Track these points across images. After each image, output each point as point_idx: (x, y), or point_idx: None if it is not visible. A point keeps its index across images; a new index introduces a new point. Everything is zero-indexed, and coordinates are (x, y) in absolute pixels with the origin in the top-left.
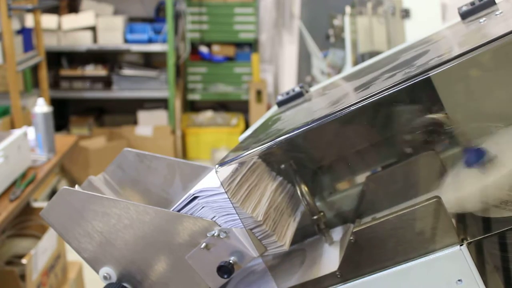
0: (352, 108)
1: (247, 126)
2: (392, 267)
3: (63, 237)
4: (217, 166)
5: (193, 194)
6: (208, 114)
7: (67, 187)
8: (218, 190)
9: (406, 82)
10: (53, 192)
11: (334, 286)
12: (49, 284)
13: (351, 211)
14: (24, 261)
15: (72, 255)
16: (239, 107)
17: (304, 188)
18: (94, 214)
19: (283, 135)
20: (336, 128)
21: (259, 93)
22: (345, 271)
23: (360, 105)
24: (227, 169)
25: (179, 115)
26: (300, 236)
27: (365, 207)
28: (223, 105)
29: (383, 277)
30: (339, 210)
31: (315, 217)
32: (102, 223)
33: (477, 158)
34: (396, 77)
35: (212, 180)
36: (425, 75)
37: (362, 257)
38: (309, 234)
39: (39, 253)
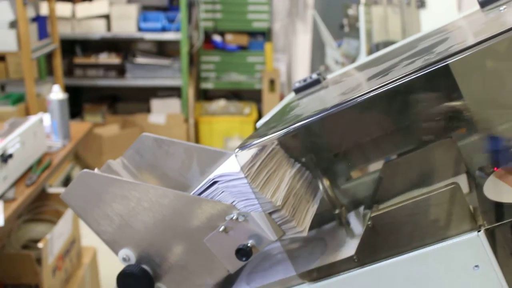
0: (372, 93)
1: (259, 115)
2: (409, 252)
3: (83, 219)
4: (237, 150)
5: (213, 179)
6: (221, 103)
7: (87, 170)
8: (238, 175)
9: (427, 68)
10: (67, 179)
11: (351, 270)
12: (64, 268)
13: (368, 197)
14: (40, 245)
15: (86, 241)
16: (252, 96)
17: (326, 182)
18: (113, 196)
19: (302, 121)
20: (355, 114)
21: (272, 83)
22: (362, 255)
23: (380, 90)
24: (247, 155)
25: (192, 103)
26: (317, 222)
27: (382, 193)
28: (236, 94)
29: (399, 262)
30: (356, 196)
31: (337, 211)
32: (121, 206)
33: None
34: (416, 64)
35: (232, 165)
36: (446, 62)
37: (379, 241)
38: (326, 220)
39: (54, 238)
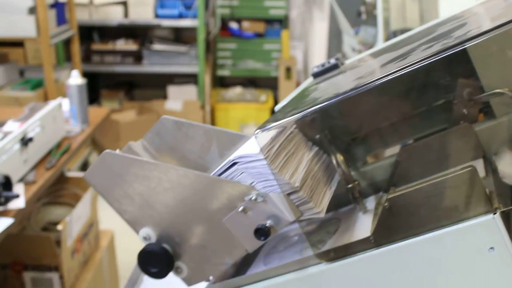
0: (390, 77)
1: (275, 102)
2: (425, 234)
3: (105, 198)
4: (256, 131)
5: (233, 160)
6: (237, 90)
7: (109, 150)
8: (257, 156)
9: (445, 52)
10: (84, 164)
11: (367, 251)
12: (82, 250)
13: (385, 181)
14: (59, 227)
15: (104, 224)
16: (268, 84)
17: (340, 157)
18: (135, 177)
19: (320, 104)
20: (372, 98)
21: (288, 70)
22: (378, 236)
23: (398, 74)
24: (266, 137)
25: (209, 90)
26: (334, 205)
27: (399, 177)
28: (252, 82)
29: (415, 243)
30: (372, 180)
31: (350, 185)
32: (142, 186)
33: None
34: (434, 48)
35: (251, 147)
36: (464, 46)
37: (395, 223)
38: (343, 203)
39: (73, 221)
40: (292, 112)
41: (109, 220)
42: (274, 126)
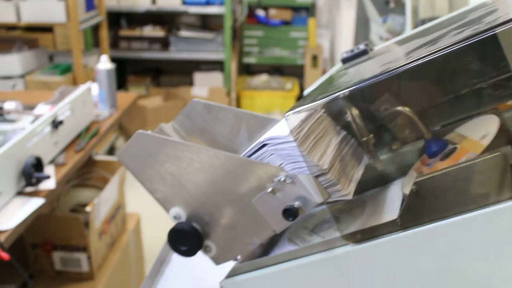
0: (419, 62)
1: (301, 91)
2: (452, 217)
3: (136, 177)
4: (287, 113)
5: (263, 142)
6: (263, 78)
7: (142, 131)
8: (287, 138)
9: (475, 37)
10: (111, 148)
11: (393, 233)
12: (109, 232)
13: (412, 166)
14: (88, 209)
15: (131, 207)
16: (294, 72)
17: (355, 111)
18: (166, 157)
19: (350, 87)
20: (402, 83)
21: (314, 58)
22: (405, 219)
23: (427, 59)
24: (296, 120)
25: (235, 77)
26: (361, 189)
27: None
28: (278, 69)
29: (442, 226)
30: (400, 165)
31: (364, 138)
32: (174, 166)
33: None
34: (464, 34)
35: (281, 129)
36: (494, 31)
37: (422, 206)
38: (369, 187)
39: (101, 203)
40: (322, 95)
41: (136, 203)
42: (304, 108)
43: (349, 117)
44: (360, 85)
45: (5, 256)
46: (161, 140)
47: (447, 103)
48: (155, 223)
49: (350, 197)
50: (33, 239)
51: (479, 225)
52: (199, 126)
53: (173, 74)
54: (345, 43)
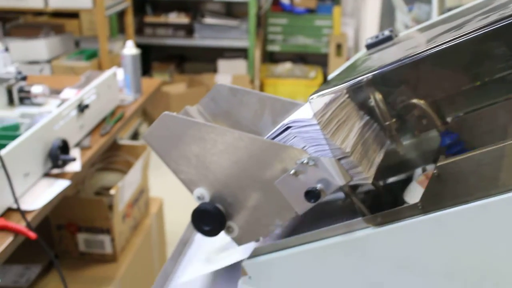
0: (445, 45)
1: (325, 79)
2: (474, 202)
3: (162, 158)
4: (311, 97)
5: (287, 124)
6: (287, 66)
7: (168, 112)
8: (310, 121)
9: (501, 22)
10: (135, 134)
11: (414, 217)
12: (133, 215)
13: (435, 152)
14: (112, 192)
15: (154, 192)
16: (318, 60)
17: (378, 95)
18: (191, 138)
19: (374, 71)
20: (427, 68)
21: (339, 47)
22: (426, 203)
23: (454, 43)
24: (319, 103)
25: (258, 65)
26: (382, 175)
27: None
28: (302, 58)
29: (464, 210)
30: (422, 151)
31: (387, 123)
32: (198, 147)
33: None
34: (491, 18)
35: (304, 112)
36: None
37: (444, 190)
38: (390, 173)
39: (125, 186)
40: (345, 79)
41: (159, 188)
42: (328, 91)
43: (372, 102)
44: (384, 69)
45: (32, 235)
46: (187, 122)
47: (471, 89)
48: (177, 208)
49: (370, 180)
50: (59, 220)
51: (501, 210)
52: (223, 109)
53: (197, 61)
54: (370, 32)
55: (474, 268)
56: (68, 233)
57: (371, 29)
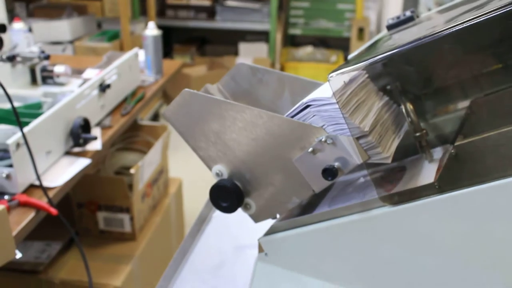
0: (464, 25)
1: None
2: (491, 182)
3: (182, 135)
4: (330, 75)
5: (306, 103)
6: (308, 50)
7: (189, 89)
8: (330, 100)
9: None
10: (155, 115)
11: (431, 196)
12: (152, 195)
13: (453, 133)
14: (132, 171)
15: (173, 172)
16: (340, 44)
17: (410, 106)
18: (211, 115)
19: (394, 49)
20: (447, 47)
21: (361, 31)
22: (443, 182)
23: (473, 22)
24: (338, 82)
25: (279, 48)
26: (401, 155)
27: (467, 129)
28: (323, 41)
29: (480, 190)
30: (441, 132)
31: (417, 134)
32: (218, 124)
33: None
34: None
35: (324, 91)
36: None
37: (461, 170)
38: (409, 153)
39: (145, 166)
40: (365, 58)
41: (178, 168)
42: (348, 69)
43: (391, 81)
44: (404, 47)
45: (54, 211)
46: (206, 99)
47: (492, 71)
48: (196, 189)
49: (389, 160)
50: (79, 198)
51: None
52: (243, 88)
53: (218, 44)
54: (392, 16)
55: (490, 248)
56: (88, 211)
57: (393, 13)
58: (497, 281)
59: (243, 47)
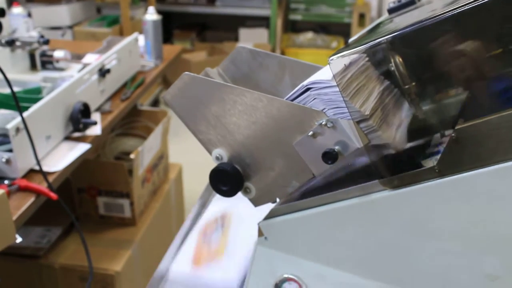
0: (468, 6)
1: None
2: (492, 165)
3: (181, 119)
4: (330, 57)
5: (306, 86)
6: (309, 35)
7: (188, 72)
8: (330, 83)
9: None
10: (155, 101)
11: (431, 180)
12: (152, 180)
13: (454, 117)
14: (132, 156)
15: (173, 158)
16: (340, 30)
17: (399, 58)
18: (211, 99)
19: (395, 32)
20: (449, 30)
21: (362, 17)
22: (443, 166)
23: (478, 3)
24: (339, 65)
25: (280, 34)
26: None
27: (468, 112)
28: (324, 27)
29: (481, 174)
30: (441, 116)
31: (406, 86)
32: (218, 108)
33: None
34: None
35: (325, 74)
36: None
37: (461, 154)
38: (409, 138)
39: (145, 151)
40: (366, 41)
41: (178, 154)
42: (348, 52)
43: (392, 65)
44: (405, 30)
45: (54, 195)
46: (206, 82)
47: (494, 54)
48: (196, 174)
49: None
50: (79, 183)
51: None
52: (243, 72)
53: (219, 30)
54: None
55: (490, 232)
56: (88, 196)
57: None
58: (497, 264)
59: (243, 32)
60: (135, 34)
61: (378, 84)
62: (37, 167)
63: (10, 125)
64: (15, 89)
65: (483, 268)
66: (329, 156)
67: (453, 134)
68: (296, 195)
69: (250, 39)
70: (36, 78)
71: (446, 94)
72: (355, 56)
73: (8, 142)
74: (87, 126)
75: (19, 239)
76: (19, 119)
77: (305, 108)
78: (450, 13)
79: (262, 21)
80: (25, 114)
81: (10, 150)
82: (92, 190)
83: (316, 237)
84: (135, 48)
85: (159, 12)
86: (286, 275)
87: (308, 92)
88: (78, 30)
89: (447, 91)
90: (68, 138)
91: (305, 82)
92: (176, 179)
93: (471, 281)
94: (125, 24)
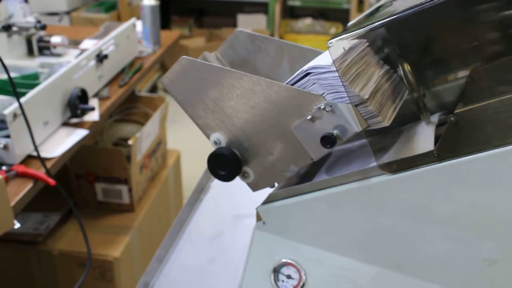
0: None
1: None
2: (491, 150)
3: (179, 103)
4: (330, 41)
5: (306, 70)
6: (307, 21)
7: (186, 56)
8: (330, 68)
9: None
10: (153, 87)
11: (430, 164)
12: (150, 166)
13: (453, 102)
14: (130, 142)
15: (171, 144)
16: (339, 16)
17: (407, 67)
18: (209, 82)
19: (394, 16)
20: (448, 14)
21: (360, 3)
22: (442, 150)
23: None
24: (338, 51)
25: (278, 20)
26: (399, 123)
27: (468, 96)
28: (322, 13)
29: (479, 158)
30: (440, 100)
31: (415, 95)
32: (216, 92)
33: None
34: None
35: (324, 59)
36: None
37: (460, 138)
38: (406, 121)
39: (143, 137)
40: (365, 25)
41: (176, 141)
42: (347, 36)
43: (391, 49)
44: (404, 13)
45: (52, 181)
46: (204, 66)
47: (493, 40)
48: (194, 161)
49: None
50: (77, 170)
51: None
52: (241, 56)
53: (217, 15)
54: None
55: (488, 217)
56: (86, 182)
57: None
58: (495, 248)
59: (241, 18)
60: (132, 20)
61: (378, 69)
62: (34, 153)
63: (7, 111)
64: (12, 74)
65: (481, 252)
66: (328, 140)
67: (452, 118)
68: (294, 180)
69: (248, 25)
70: (33, 64)
71: (445, 78)
72: (354, 41)
73: (6, 128)
74: (84, 112)
75: (17, 225)
76: (16, 105)
77: (304, 92)
78: None
79: (261, 7)
80: (22, 100)
81: (8, 136)
82: (90, 176)
83: (315, 222)
84: (133, 34)
85: None
86: (284, 260)
87: (308, 77)
88: (76, 15)
89: (446, 75)
90: (65, 124)
91: (305, 67)
92: (174, 165)
93: (469, 265)
94: (123, 9)
